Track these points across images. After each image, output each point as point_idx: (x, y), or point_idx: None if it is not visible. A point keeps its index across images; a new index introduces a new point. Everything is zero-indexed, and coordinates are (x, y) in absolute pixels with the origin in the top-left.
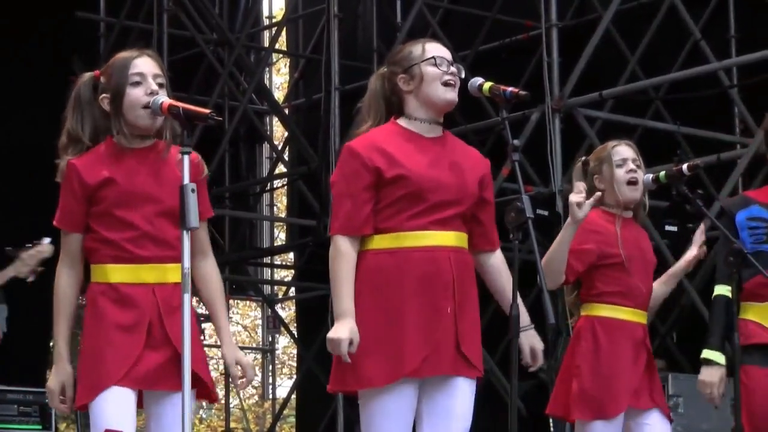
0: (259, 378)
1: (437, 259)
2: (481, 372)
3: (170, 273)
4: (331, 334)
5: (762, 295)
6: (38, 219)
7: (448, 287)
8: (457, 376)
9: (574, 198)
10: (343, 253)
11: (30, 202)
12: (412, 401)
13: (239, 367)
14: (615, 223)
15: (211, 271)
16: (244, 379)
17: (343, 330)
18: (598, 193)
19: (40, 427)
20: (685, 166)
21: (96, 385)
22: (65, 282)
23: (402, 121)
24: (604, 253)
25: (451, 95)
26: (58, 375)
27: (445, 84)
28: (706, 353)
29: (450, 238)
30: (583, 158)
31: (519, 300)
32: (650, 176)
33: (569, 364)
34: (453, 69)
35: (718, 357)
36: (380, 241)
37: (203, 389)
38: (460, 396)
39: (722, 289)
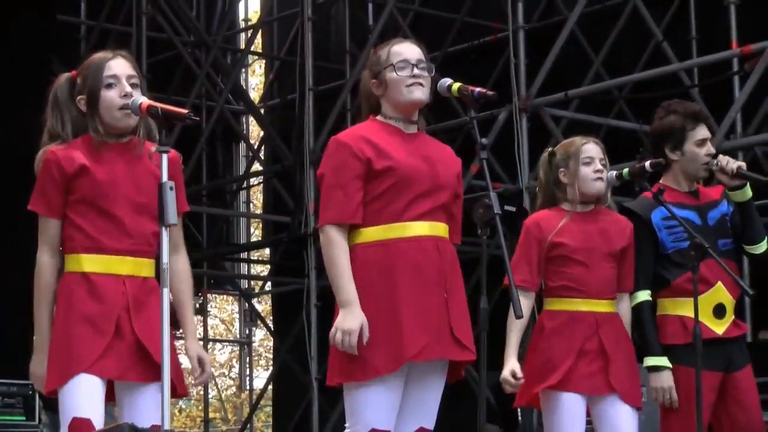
0: (236, 370)
1: (425, 249)
2: (474, 355)
3: (144, 267)
4: (341, 323)
5: (692, 290)
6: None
7: (440, 274)
8: (433, 363)
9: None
10: (337, 242)
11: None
12: (400, 391)
13: (200, 363)
14: (566, 217)
15: (182, 267)
16: (202, 376)
17: (353, 320)
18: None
19: (23, 417)
20: (647, 163)
21: (65, 371)
22: (48, 271)
23: (380, 118)
24: (545, 247)
25: (417, 95)
26: (44, 359)
27: (409, 86)
28: (652, 360)
29: (434, 228)
30: (550, 149)
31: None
32: (614, 173)
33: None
34: (417, 71)
35: (664, 361)
36: (368, 234)
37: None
38: (434, 388)
39: (644, 295)
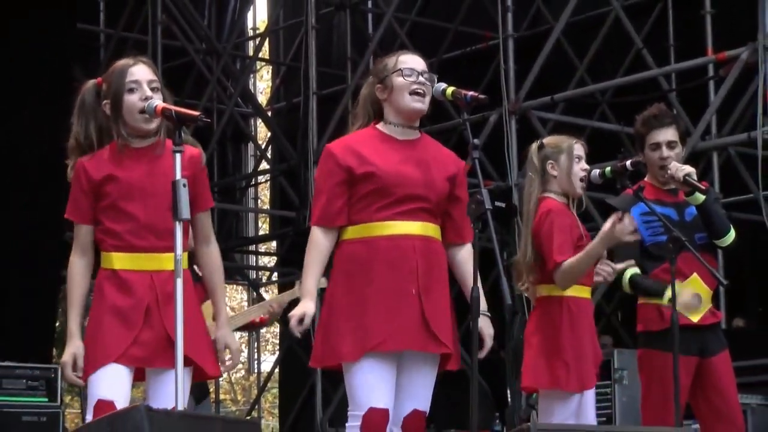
0: (245, 354)
1: (402, 247)
2: (449, 348)
3: (167, 261)
4: (295, 311)
5: (668, 280)
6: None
7: (413, 271)
8: (423, 352)
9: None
10: (315, 243)
11: (26, 200)
12: (389, 373)
13: (228, 351)
14: (572, 210)
15: (213, 259)
16: (230, 362)
17: (299, 309)
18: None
19: (46, 399)
20: (628, 163)
21: (95, 361)
22: (76, 270)
23: (380, 126)
24: (574, 237)
25: (419, 105)
26: (70, 349)
27: (413, 93)
28: (666, 295)
29: (415, 228)
30: (540, 141)
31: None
32: (597, 171)
33: (547, 342)
34: (422, 79)
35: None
36: (352, 232)
37: (199, 368)
38: (424, 373)
39: (632, 270)
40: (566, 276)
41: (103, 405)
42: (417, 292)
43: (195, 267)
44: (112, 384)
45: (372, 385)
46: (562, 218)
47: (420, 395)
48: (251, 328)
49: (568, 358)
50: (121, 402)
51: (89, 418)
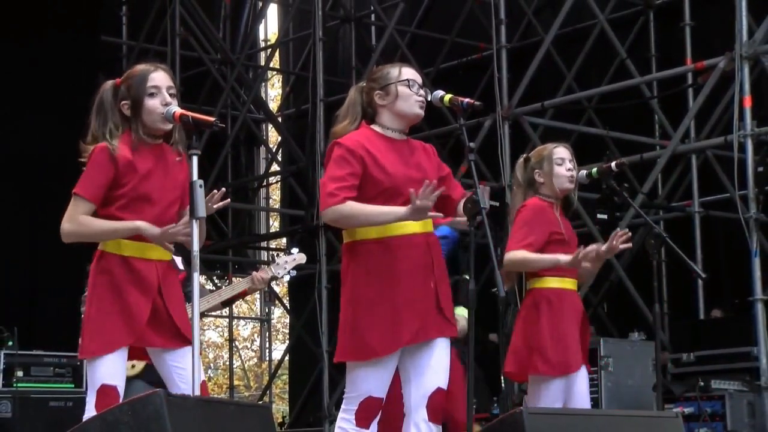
0: (257, 343)
1: (416, 244)
2: (456, 331)
3: (168, 252)
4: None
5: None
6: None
7: (428, 266)
8: (435, 338)
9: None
10: (351, 204)
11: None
12: (394, 366)
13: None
14: (554, 209)
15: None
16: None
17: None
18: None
19: (72, 386)
20: (613, 164)
21: (108, 343)
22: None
23: (376, 127)
24: (551, 231)
25: (420, 110)
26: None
27: (415, 102)
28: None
29: (422, 226)
30: (525, 155)
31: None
32: (584, 172)
33: (528, 330)
34: (422, 92)
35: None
36: (364, 233)
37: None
38: (440, 353)
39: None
40: (514, 263)
41: (108, 389)
42: (434, 284)
43: None
44: (115, 369)
45: (378, 377)
46: (536, 213)
47: (442, 374)
48: (234, 300)
49: (544, 344)
50: (121, 385)
51: (92, 400)
